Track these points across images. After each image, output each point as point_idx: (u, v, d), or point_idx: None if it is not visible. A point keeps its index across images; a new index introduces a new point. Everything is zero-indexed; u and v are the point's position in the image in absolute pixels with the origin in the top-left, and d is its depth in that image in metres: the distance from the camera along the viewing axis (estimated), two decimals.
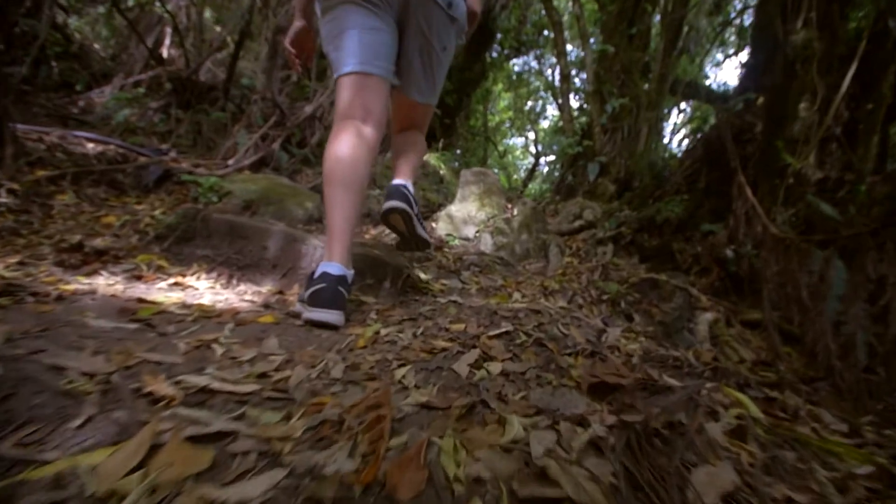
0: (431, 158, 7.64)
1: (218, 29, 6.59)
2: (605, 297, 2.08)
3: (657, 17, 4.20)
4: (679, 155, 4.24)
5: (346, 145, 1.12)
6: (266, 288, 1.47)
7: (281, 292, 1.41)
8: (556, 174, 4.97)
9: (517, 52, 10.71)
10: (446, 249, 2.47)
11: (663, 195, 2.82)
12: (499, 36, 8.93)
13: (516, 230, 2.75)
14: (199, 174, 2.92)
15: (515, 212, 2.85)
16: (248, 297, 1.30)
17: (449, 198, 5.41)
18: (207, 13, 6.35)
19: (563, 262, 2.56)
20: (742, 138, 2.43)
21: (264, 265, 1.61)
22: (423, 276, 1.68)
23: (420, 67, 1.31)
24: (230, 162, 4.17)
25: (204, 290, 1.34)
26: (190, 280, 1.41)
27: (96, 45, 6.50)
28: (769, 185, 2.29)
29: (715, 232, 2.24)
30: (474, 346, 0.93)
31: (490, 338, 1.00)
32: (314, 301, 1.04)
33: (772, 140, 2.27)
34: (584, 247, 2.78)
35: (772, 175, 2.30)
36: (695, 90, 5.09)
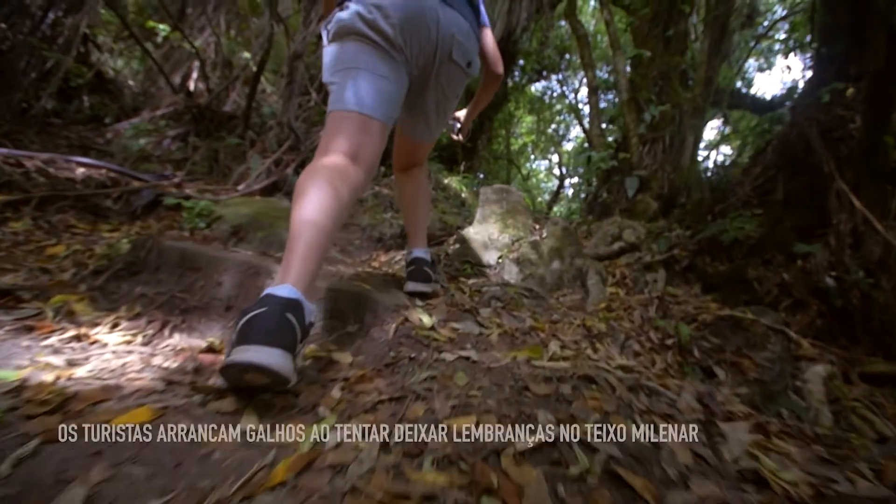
0: (453, 181, 7.30)
1: (247, 56, 6.57)
2: (669, 341, 1.55)
3: (694, 19, 3.75)
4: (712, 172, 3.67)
5: (315, 202, 0.90)
6: (208, 340, 1.05)
7: (219, 351, 0.99)
8: (583, 193, 4.46)
9: (539, 76, 10.43)
10: (462, 279, 2.01)
11: (726, 210, 2.28)
12: (521, 62, 8.68)
13: (546, 255, 2.27)
14: (198, 199, 2.62)
15: (544, 233, 2.38)
16: (162, 361, 0.88)
17: (469, 220, 4.97)
18: (231, 45, 6.36)
19: (606, 294, 2.04)
20: (831, 136, 1.88)
21: (215, 306, 1.19)
22: (425, 319, 1.22)
23: (434, 117, 1.36)
24: (240, 187, 3.92)
25: (113, 346, 0.93)
26: (102, 331, 1.01)
27: (130, 81, 6.59)
28: (876, 191, 1.73)
29: (812, 254, 1.68)
30: (490, 490, 0.46)
31: (519, 458, 0.52)
32: (244, 335, 0.68)
33: (876, 136, 1.73)
34: (630, 273, 2.26)
35: (880, 179, 1.75)
36: (739, 99, 4.54)
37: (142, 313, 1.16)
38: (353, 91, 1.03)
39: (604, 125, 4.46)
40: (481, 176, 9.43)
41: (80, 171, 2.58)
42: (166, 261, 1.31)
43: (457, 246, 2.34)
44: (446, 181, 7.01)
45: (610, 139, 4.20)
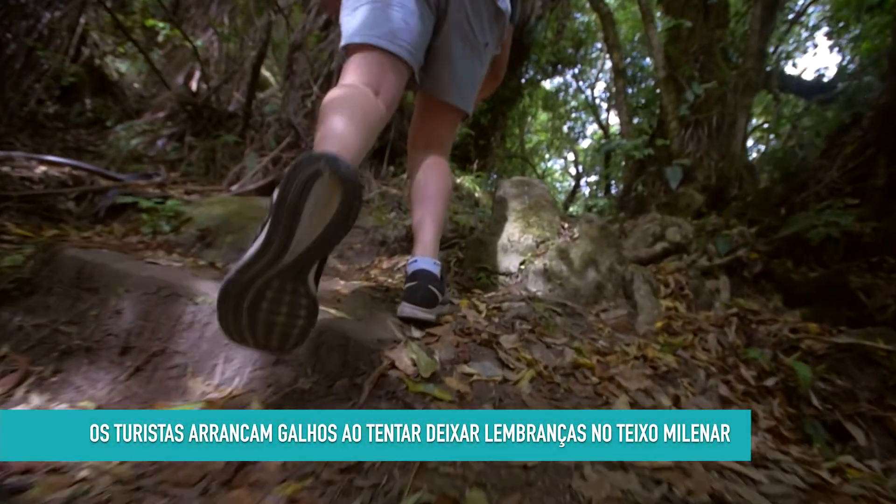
0: (466, 181, 6.85)
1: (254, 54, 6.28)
2: (770, 381, 1.09)
3: None
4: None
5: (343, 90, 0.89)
6: (82, 403, 0.65)
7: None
8: (612, 187, 3.97)
9: (554, 70, 9.93)
10: (476, 292, 1.58)
11: (806, 201, 1.80)
12: (534, 58, 8.22)
13: (580, 260, 1.83)
14: (177, 200, 2.27)
15: (576, 234, 1.94)
16: None
17: (484, 221, 4.54)
18: (234, 43, 6.09)
19: (662, 309, 1.59)
20: None
21: (108, 346, 0.79)
22: (423, 362, 0.80)
23: (461, 63, 1.06)
24: (233, 188, 3.58)
25: None
26: None
27: (136, 84, 6.37)
28: None
29: None
30: None
31: None
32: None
33: None
34: (684, 281, 1.79)
35: None
36: (784, 81, 4.00)
37: (5, 357, 0.78)
38: (363, 22, 0.91)
39: (634, 118, 3.97)
40: (494, 175, 8.98)
41: (42, 169, 2.25)
42: (61, 278, 0.92)
43: (470, 250, 1.92)
44: (458, 180, 6.57)
45: (637, 121, 3.72)
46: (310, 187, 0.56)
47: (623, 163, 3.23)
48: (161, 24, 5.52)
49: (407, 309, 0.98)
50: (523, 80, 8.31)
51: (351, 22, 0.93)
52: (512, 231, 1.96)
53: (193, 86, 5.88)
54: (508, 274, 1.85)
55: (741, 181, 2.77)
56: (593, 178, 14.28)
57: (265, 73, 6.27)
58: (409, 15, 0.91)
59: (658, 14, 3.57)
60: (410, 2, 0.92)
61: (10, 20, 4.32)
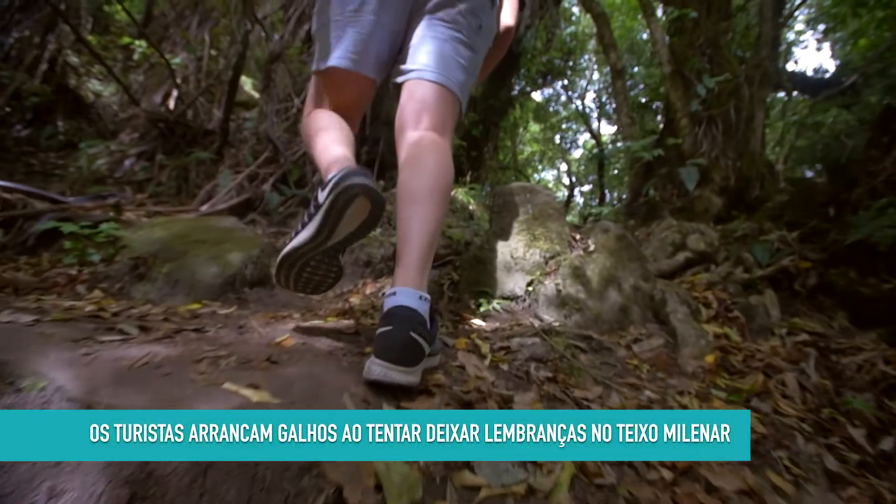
0: (459, 193, 6.58)
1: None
2: (890, 445, 0.76)
3: None
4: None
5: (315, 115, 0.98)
6: None
7: None
8: (594, 199, 3.69)
9: (544, 81, 9.81)
10: (476, 324, 1.26)
11: (860, 199, 1.50)
12: (524, 71, 8.08)
13: (598, 278, 1.52)
14: (141, 222, 1.94)
15: (591, 246, 1.63)
16: None
17: (480, 235, 4.25)
18: (214, 59, 5.84)
19: (709, 337, 1.26)
20: None
21: None
22: (390, 487, 0.46)
23: (438, 43, 0.90)
24: (203, 207, 3.25)
25: None
26: None
27: (115, 106, 6.08)
28: None
29: None
30: None
31: None
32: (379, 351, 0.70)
33: None
34: (728, 299, 1.47)
35: None
36: (790, 77, 3.78)
37: None
38: (322, 45, 0.96)
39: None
40: (488, 187, 8.72)
41: None
42: None
43: (467, 270, 1.60)
44: (452, 193, 6.27)
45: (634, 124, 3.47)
46: (350, 202, 0.76)
47: (628, 167, 2.95)
48: (137, 42, 5.26)
49: (376, 369, 0.68)
50: (514, 92, 8.14)
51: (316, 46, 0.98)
52: (515, 246, 1.64)
53: (171, 104, 5.59)
54: (514, 298, 1.52)
55: (762, 181, 2.49)
56: (587, 188, 14.13)
57: (252, 91, 6.01)
58: (362, 25, 0.89)
59: (658, 10, 3.35)
60: (367, 10, 0.89)
61: None
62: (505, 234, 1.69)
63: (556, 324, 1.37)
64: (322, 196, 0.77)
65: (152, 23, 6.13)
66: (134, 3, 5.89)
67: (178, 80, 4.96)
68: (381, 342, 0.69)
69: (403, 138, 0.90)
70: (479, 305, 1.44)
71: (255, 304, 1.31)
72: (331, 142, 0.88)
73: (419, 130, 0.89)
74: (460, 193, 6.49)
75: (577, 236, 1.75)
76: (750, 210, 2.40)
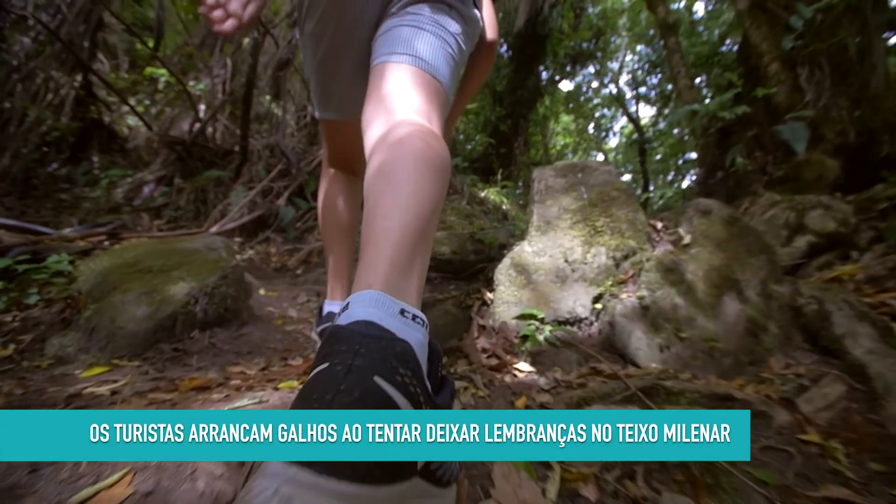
0: (491, 193, 6.10)
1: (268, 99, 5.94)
2: None
3: None
4: None
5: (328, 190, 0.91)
6: None
7: None
8: (637, 188, 3.06)
9: (573, 67, 9.09)
10: (522, 375, 0.77)
11: None
12: (550, 59, 7.44)
13: (705, 282, 0.98)
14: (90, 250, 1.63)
15: (684, 236, 1.09)
16: None
17: (520, 234, 3.73)
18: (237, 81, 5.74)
19: None
20: None
21: None
22: None
23: (395, 28, 0.67)
24: (213, 229, 2.97)
25: None
26: None
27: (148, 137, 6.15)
28: None
29: None
30: None
31: None
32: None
33: None
34: None
35: None
36: None
37: None
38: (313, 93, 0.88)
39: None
40: (521, 184, 8.16)
41: None
42: None
43: (503, 285, 1.10)
44: (483, 194, 5.80)
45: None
46: None
47: (699, 135, 2.32)
48: (159, 72, 5.22)
49: (279, 486, 0.27)
50: (542, 81, 7.53)
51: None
52: (570, 245, 1.13)
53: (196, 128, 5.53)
54: (576, 321, 1.01)
55: (893, 133, 1.81)
56: (627, 177, 13.09)
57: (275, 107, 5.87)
58: (327, 68, 0.79)
59: None
60: (323, 47, 0.75)
61: (6, 84, 4.06)
62: (553, 230, 1.18)
63: (654, 364, 0.85)
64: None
65: (176, 52, 6.13)
66: (167, 37, 5.90)
67: (203, 105, 4.85)
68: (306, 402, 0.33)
69: (369, 136, 0.57)
70: (525, 338, 0.95)
71: (201, 357, 0.90)
72: (336, 261, 0.85)
73: (392, 119, 0.55)
74: (492, 193, 5.99)
75: (659, 224, 1.20)
76: (874, 172, 1.73)
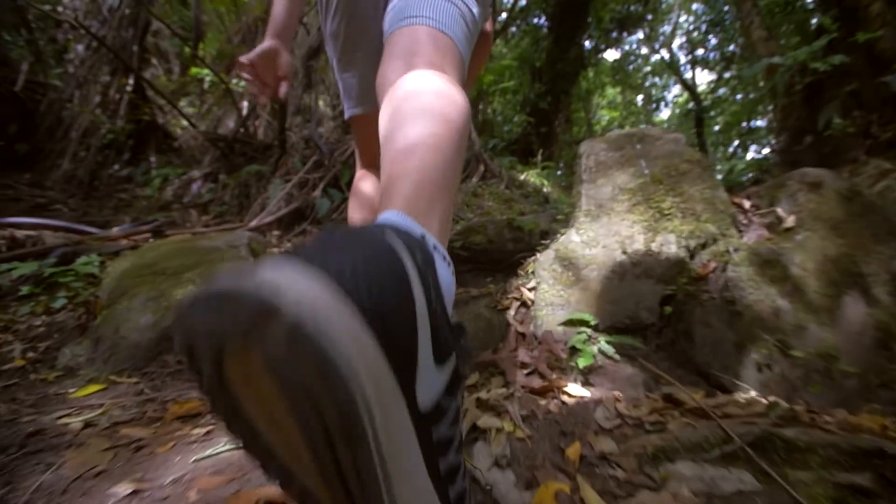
0: (531, 175, 5.78)
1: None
2: None
3: None
4: None
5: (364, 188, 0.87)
6: None
7: None
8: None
9: (619, 34, 8.34)
10: (572, 402, 0.59)
11: None
12: (594, 26, 6.83)
13: (818, 277, 0.74)
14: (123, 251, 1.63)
15: (784, 217, 0.84)
16: None
17: (564, 219, 3.44)
18: None
19: None
20: None
21: None
22: None
23: (396, 4, 0.65)
24: (252, 223, 2.98)
25: None
26: None
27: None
28: None
29: None
30: None
31: None
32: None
33: None
34: None
35: None
36: None
37: None
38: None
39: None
40: (562, 165, 7.72)
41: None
42: None
43: (547, 282, 0.91)
44: (522, 177, 5.50)
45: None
46: None
47: (782, 93, 1.93)
48: (204, 72, 5.38)
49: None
50: (585, 51, 6.96)
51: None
52: (628, 232, 0.92)
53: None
54: (640, 328, 0.81)
55: None
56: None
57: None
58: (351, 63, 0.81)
59: None
60: (344, 43, 0.79)
61: (64, 91, 4.32)
62: (606, 215, 0.97)
63: (750, 387, 0.64)
64: None
65: (220, 52, 6.28)
66: (213, 37, 6.06)
67: (246, 102, 4.95)
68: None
69: (383, 93, 0.53)
70: (575, 351, 0.76)
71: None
72: None
73: (405, 72, 0.51)
74: (532, 175, 5.67)
75: (747, 203, 0.95)
76: None
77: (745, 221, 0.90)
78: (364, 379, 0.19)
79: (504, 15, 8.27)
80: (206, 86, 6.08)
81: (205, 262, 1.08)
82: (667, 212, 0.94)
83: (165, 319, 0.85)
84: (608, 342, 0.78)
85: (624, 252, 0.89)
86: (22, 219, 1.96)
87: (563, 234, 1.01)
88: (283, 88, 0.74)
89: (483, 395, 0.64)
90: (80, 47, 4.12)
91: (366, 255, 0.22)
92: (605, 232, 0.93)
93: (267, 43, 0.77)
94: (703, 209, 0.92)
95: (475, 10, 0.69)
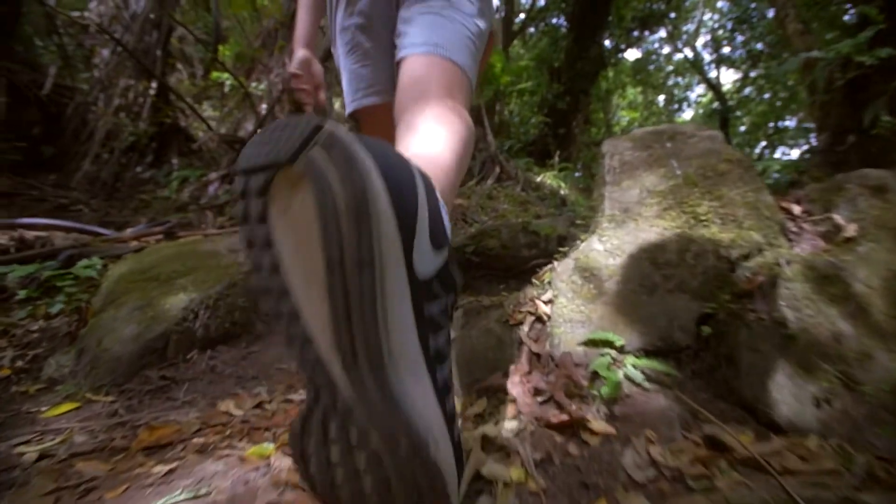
0: (547, 177, 5.64)
1: None
2: None
3: None
4: None
5: None
6: None
7: None
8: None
9: (641, 33, 8.10)
10: (586, 438, 0.49)
11: None
12: (614, 24, 6.64)
13: (881, 297, 0.63)
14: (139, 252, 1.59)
15: (843, 225, 0.72)
16: None
17: (584, 224, 3.30)
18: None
19: None
20: None
21: None
22: None
23: (419, 20, 0.72)
24: None
25: None
26: None
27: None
28: None
29: None
30: None
31: None
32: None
33: None
34: None
35: None
36: None
37: None
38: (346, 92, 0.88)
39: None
40: (580, 166, 7.55)
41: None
42: None
43: (565, 295, 0.81)
44: (539, 178, 5.37)
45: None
46: None
47: (821, 90, 1.77)
48: (224, 76, 5.45)
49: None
50: (605, 50, 6.77)
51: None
52: (658, 240, 0.81)
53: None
54: (675, 351, 0.71)
55: None
56: None
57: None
58: (360, 55, 0.81)
59: None
60: (357, 38, 0.80)
61: (90, 94, 4.41)
62: (633, 220, 0.87)
63: (808, 426, 0.53)
64: None
65: (239, 56, 6.37)
66: (235, 41, 6.14)
67: (264, 104, 5.00)
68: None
69: (398, 119, 0.61)
70: (597, 376, 0.66)
71: (193, 386, 0.74)
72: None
73: (419, 101, 0.60)
74: (549, 177, 5.53)
75: (796, 208, 0.83)
76: None
77: (794, 229, 0.79)
78: (382, 222, 0.25)
79: (522, 16, 8.13)
80: (226, 89, 6.17)
81: (200, 268, 1.02)
82: (703, 217, 0.84)
83: (150, 330, 0.79)
84: (635, 366, 0.68)
85: (654, 263, 0.78)
86: (34, 219, 1.97)
87: (583, 241, 0.91)
88: (322, 95, 0.84)
89: (490, 429, 0.55)
90: (106, 52, 4.21)
91: (396, 154, 0.30)
92: (632, 239, 0.83)
93: (300, 53, 0.87)
94: (745, 215, 0.81)
95: (482, 25, 0.74)
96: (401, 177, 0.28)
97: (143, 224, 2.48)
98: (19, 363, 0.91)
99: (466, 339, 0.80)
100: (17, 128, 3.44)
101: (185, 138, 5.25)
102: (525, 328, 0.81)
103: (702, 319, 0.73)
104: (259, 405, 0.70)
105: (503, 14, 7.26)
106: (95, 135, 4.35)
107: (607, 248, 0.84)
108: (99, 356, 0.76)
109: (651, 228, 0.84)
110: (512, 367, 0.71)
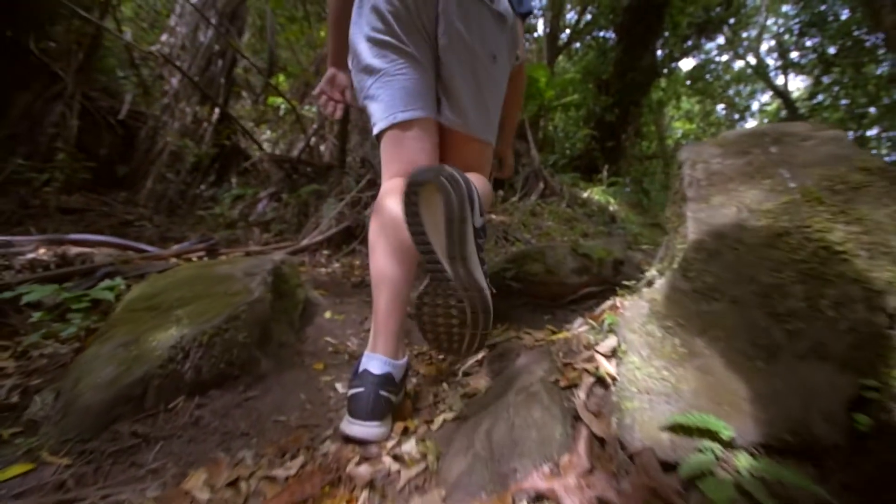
0: (595, 193, 5.30)
1: None
2: None
3: None
4: None
5: (393, 206, 0.88)
6: None
7: None
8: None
9: (697, 40, 7.55)
10: None
11: None
12: (668, 32, 6.22)
13: None
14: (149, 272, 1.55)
15: None
16: None
17: (638, 245, 3.01)
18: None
19: None
20: None
21: None
22: None
23: (466, 86, 0.89)
24: (303, 241, 2.93)
25: None
26: None
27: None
28: None
29: None
30: None
31: None
32: (351, 410, 0.72)
33: None
34: None
35: None
36: None
37: None
38: (378, 103, 0.90)
39: None
40: (629, 181, 7.10)
41: (41, 251, 1.79)
42: None
43: (638, 352, 0.59)
44: (585, 194, 5.05)
45: None
46: (417, 195, 0.72)
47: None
48: (279, 100, 5.73)
49: (345, 426, 0.70)
50: (657, 58, 6.35)
51: (369, 106, 0.92)
52: (773, 280, 0.57)
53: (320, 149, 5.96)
54: (811, 449, 0.46)
55: None
56: None
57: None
58: (406, 73, 0.87)
59: None
60: (401, 55, 0.87)
61: (159, 119, 4.75)
62: (731, 249, 0.63)
63: None
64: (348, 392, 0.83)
65: (295, 81, 6.69)
66: (292, 67, 6.47)
67: (315, 126, 5.16)
68: (351, 401, 0.72)
69: None
70: (694, 483, 0.43)
71: (166, 447, 0.60)
72: (389, 297, 0.84)
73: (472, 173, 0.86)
74: (596, 193, 5.18)
75: None
76: None
77: None
78: (466, 206, 0.65)
79: (567, 31, 7.88)
80: (281, 113, 6.46)
81: (204, 297, 0.91)
82: (838, 248, 0.58)
83: (128, 374, 0.67)
84: (751, 471, 0.44)
85: (772, 313, 0.54)
86: (83, 235, 2.02)
87: (659, 275, 0.68)
88: (349, 94, 0.97)
89: None
90: (175, 80, 4.53)
91: (466, 177, 0.67)
92: (733, 277, 0.59)
93: (329, 72, 1.03)
94: None
95: (507, 54, 0.93)
96: (470, 187, 0.66)
97: (188, 241, 2.52)
98: (13, 398, 0.82)
99: (503, 409, 0.60)
100: (89, 149, 3.71)
101: (244, 159, 5.50)
102: (581, 394, 0.59)
103: (856, 403, 0.48)
104: (235, 482, 0.54)
105: (548, 30, 7.08)
106: (162, 155, 4.64)
107: (697, 287, 0.61)
108: (71, 402, 0.64)
109: (760, 262, 0.60)
110: (564, 460, 0.50)
